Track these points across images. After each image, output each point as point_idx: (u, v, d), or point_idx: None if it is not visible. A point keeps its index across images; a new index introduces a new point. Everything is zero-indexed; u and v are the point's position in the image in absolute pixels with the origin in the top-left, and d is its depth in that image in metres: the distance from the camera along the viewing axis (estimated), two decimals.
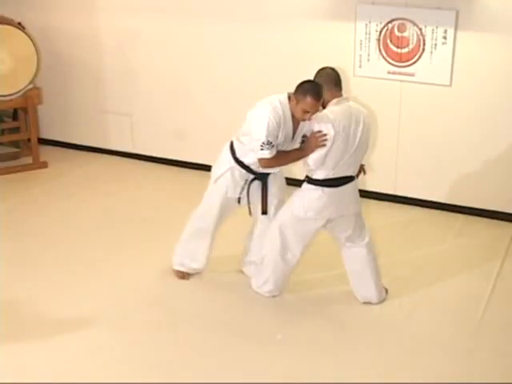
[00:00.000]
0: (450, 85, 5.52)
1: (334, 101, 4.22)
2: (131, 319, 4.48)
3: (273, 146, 4.20)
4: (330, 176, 4.25)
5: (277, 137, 4.22)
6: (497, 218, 5.74)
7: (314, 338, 4.31)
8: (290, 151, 4.33)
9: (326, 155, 4.18)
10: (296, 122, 4.28)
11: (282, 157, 4.31)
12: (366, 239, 4.50)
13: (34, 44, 6.52)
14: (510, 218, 5.71)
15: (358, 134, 4.22)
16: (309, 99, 4.05)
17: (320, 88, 4.10)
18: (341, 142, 4.17)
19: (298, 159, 4.32)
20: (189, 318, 4.49)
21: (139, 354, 4.15)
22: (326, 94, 4.19)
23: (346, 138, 4.17)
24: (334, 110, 4.20)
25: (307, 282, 4.85)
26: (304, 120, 4.19)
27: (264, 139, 4.17)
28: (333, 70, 4.31)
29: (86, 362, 4.08)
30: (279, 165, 4.42)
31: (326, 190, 4.28)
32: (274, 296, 4.67)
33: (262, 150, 4.20)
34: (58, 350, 4.18)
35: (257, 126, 4.20)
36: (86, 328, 4.37)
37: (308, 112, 4.11)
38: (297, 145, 4.35)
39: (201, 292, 4.77)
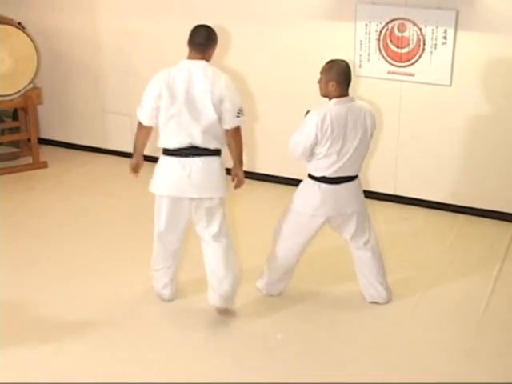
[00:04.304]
0: (450, 85, 5.52)
1: (334, 101, 4.14)
2: (131, 320, 4.48)
3: None
4: (327, 175, 4.25)
5: None
6: (497, 218, 5.74)
7: (313, 337, 4.30)
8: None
9: (311, 148, 4.16)
10: None
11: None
12: (371, 243, 4.47)
13: (34, 44, 6.51)
14: (510, 218, 5.71)
15: (357, 137, 4.20)
16: None
17: None
18: (330, 145, 4.13)
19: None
20: (188, 318, 4.49)
21: (139, 354, 4.15)
22: (330, 87, 4.13)
23: (335, 141, 4.14)
24: (328, 109, 4.12)
25: (308, 282, 4.84)
26: None
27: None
28: (347, 65, 4.17)
29: (86, 362, 4.08)
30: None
31: (323, 186, 4.27)
32: (271, 295, 4.66)
33: None
34: (58, 351, 4.18)
35: None
36: (85, 329, 4.37)
37: None
38: None
39: (200, 292, 4.77)
